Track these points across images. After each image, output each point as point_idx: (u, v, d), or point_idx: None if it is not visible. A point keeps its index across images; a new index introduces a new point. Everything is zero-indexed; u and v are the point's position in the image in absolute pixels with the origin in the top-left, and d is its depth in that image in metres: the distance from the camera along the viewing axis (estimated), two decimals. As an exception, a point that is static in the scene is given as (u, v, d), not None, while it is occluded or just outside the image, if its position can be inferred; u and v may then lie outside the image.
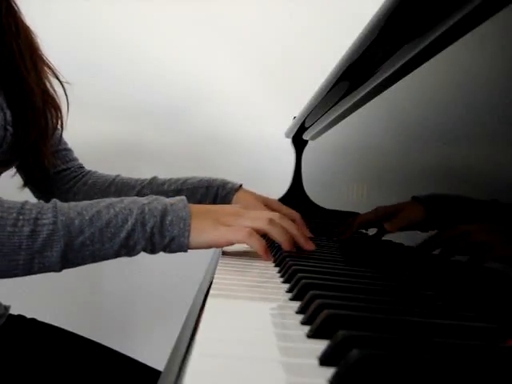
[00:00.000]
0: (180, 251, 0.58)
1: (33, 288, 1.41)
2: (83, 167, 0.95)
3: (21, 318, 0.83)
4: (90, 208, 0.55)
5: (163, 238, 0.57)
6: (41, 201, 0.56)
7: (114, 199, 0.58)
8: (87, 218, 0.54)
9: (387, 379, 0.23)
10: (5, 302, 0.81)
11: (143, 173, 1.55)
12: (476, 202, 0.41)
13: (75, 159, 0.94)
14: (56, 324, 0.83)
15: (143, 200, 0.58)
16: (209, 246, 0.58)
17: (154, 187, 0.87)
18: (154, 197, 0.59)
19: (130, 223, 0.55)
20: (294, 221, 0.84)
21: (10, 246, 0.51)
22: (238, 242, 0.58)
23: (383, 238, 0.65)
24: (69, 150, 0.93)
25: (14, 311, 0.83)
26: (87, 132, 1.49)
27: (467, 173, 0.43)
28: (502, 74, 0.39)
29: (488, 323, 0.33)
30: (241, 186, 0.88)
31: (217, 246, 0.60)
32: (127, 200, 0.58)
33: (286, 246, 0.60)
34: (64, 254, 0.53)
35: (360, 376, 0.22)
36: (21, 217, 0.52)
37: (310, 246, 0.63)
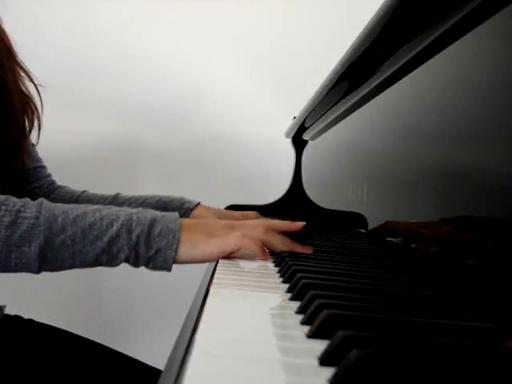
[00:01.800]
0: (164, 267, 0.55)
1: (32, 288, 1.41)
2: (54, 183, 0.98)
3: (18, 318, 0.83)
4: (77, 209, 0.54)
5: (149, 248, 0.54)
6: (27, 198, 0.55)
7: (103, 206, 0.57)
8: (71, 217, 0.52)
9: (387, 379, 0.23)
10: (0, 302, 0.81)
11: (142, 173, 1.56)
12: (476, 210, 0.41)
13: (48, 175, 0.97)
14: (55, 325, 0.83)
15: (132, 210, 0.57)
16: (203, 260, 0.56)
17: (114, 205, 0.88)
18: (144, 209, 0.58)
19: (115, 228, 0.53)
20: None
21: None
22: (233, 250, 0.57)
23: (383, 238, 0.65)
24: (43, 167, 0.96)
25: (12, 312, 0.83)
26: (87, 132, 1.49)
27: (467, 173, 0.43)
28: (502, 74, 0.39)
29: (488, 323, 0.33)
30: (198, 203, 0.92)
31: (211, 260, 0.58)
32: (116, 208, 0.57)
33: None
34: (42, 251, 0.51)
35: (360, 376, 0.22)
36: (3, 207, 0.51)
37: (308, 249, 0.63)
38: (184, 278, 1.39)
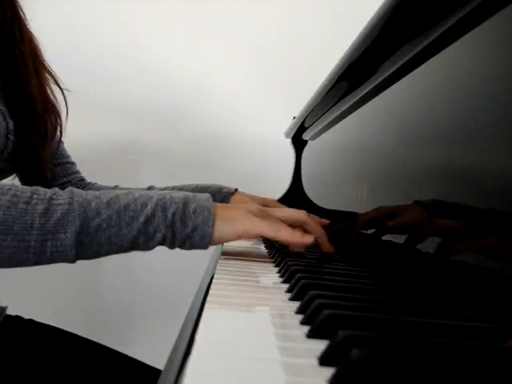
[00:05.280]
0: (201, 245, 0.54)
1: (32, 289, 1.41)
2: (84, 179, 0.97)
3: (18, 318, 0.83)
4: (108, 193, 0.53)
5: (185, 226, 0.53)
6: (55, 187, 0.53)
7: (133, 189, 0.56)
8: (104, 200, 0.51)
9: (387, 379, 0.23)
10: (2, 303, 0.81)
11: (143, 173, 1.56)
12: (477, 210, 0.41)
13: (77, 172, 0.96)
14: (55, 325, 0.83)
15: (164, 190, 0.56)
16: (237, 237, 0.55)
17: None
18: (173, 189, 0.58)
19: (149, 207, 0.52)
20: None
21: (21, 224, 0.47)
22: (267, 234, 0.55)
23: (383, 238, 0.65)
24: (72, 164, 0.95)
25: (12, 312, 0.83)
26: (88, 132, 1.49)
27: (467, 173, 0.43)
28: (502, 73, 0.39)
29: (488, 323, 0.33)
30: (236, 190, 0.88)
31: (247, 237, 0.56)
32: (146, 190, 0.57)
33: (323, 239, 0.60)
34: (79, 237, 0.49)
35: (360, 376, 0.22)
36: (35, 196, 0.49)
37: (330, 247, 0.62)
38: (183, 278, 1.39)
